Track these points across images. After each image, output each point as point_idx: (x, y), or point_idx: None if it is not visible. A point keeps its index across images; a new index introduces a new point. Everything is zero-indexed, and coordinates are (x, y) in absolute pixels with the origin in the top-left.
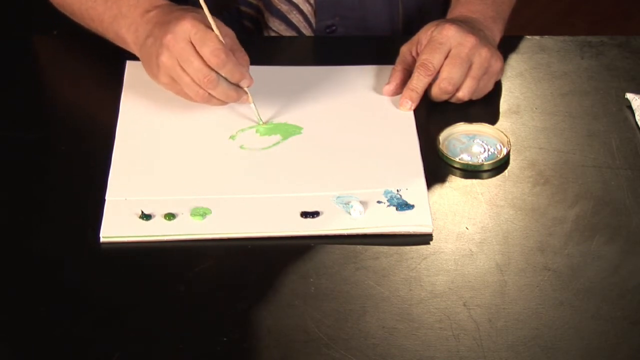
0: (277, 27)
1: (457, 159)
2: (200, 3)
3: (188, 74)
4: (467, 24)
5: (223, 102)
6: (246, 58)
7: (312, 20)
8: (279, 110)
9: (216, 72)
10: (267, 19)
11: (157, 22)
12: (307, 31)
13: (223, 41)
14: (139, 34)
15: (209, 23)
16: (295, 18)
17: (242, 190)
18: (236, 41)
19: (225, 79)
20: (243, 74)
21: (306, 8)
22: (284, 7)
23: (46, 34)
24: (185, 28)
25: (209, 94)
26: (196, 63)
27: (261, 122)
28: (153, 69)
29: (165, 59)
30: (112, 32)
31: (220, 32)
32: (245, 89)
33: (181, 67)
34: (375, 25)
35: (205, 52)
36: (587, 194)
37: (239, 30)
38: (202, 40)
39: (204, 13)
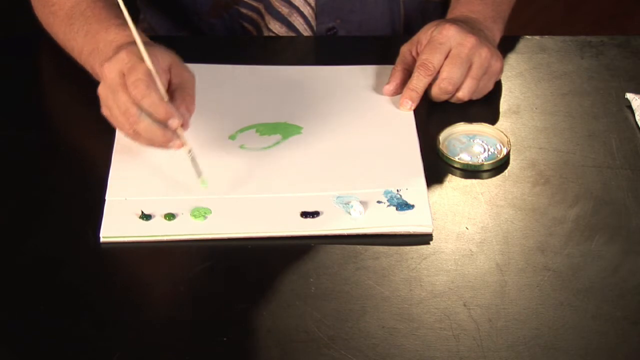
0: (278, 30)
1: (457, 159)
2: (133, 35)
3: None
4: (467, 24)
5: (151, 143)
6: (191, 105)
7: (313, 23)
8: (279, 110)
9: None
10: (267, 21)
11: None
12: (307, 34)
13: (156, 74)
14: None
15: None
16: (297, 21)
17: (242, 190)
18: (191, 86)
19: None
20: (169, 111)
21: (307, 11)
22: (284, 10)
23: (46, 34)
24: (120, 58)
25: (135, 130)
26: (121, 95)
27: (201, 177)
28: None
29: (100, 89)
30: (89, 66)
31: (176, 71)
32: (180, 134)
33: (112, 98)
34: (376, 28)
35: (128, 82)
36: (587, 194)
37: (238, 32)
38: (129, 70)
39: (168, 52)
